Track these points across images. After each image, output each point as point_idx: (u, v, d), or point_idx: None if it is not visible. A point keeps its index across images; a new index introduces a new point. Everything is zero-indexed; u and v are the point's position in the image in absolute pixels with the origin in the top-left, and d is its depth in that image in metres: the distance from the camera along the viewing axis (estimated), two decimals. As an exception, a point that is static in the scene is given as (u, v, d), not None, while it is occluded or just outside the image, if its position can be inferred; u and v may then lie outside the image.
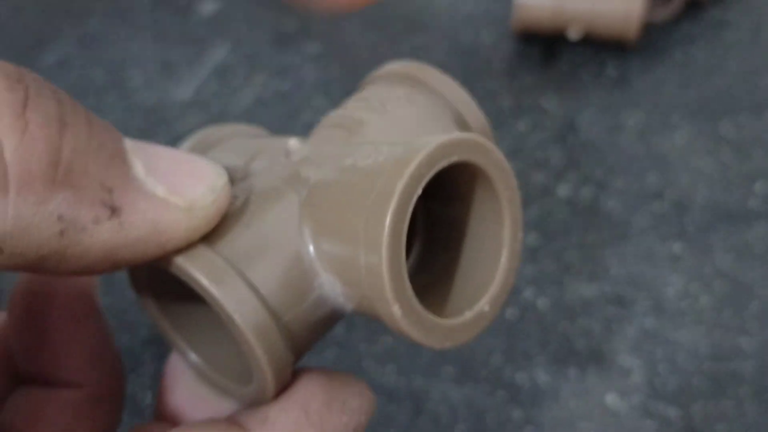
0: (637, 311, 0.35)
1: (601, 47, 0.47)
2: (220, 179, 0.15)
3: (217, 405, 0.19)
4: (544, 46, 0.47)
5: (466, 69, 0.46)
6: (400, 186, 0.14)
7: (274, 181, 0.17)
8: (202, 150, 0.20)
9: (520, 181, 0.45)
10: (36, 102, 0.13)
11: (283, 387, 0.16)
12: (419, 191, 0.14)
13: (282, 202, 0.16)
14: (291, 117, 0.44)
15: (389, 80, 0.20)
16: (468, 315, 0.16)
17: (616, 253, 0.37)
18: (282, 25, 0.48)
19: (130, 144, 0.14)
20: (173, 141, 0.44)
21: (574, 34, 0.45)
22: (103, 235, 0.13)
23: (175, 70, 0.46)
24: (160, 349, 0.35)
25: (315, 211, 0.16)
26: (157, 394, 0.20)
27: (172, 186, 0.14)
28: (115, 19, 0.49)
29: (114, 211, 0.14)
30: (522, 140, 0.42)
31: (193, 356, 0.18)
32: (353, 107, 0.19)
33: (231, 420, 0.16)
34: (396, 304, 0.14)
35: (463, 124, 0.19)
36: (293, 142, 0.18)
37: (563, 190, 0.40)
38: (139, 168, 0.14)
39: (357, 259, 0.15)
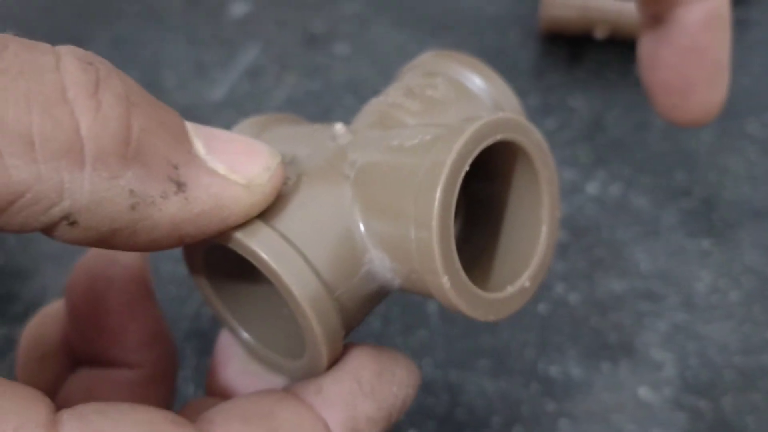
0: (668, 306, 0.36)
1: (626, 46, 0.47)
2: (275, 159, 0.16)
3: (267, 380, 0.19)
4: (570, 45, 0.47)
5: (494, 68, 0.47)
6: (449, 161, 0.15)
7: (322, 163, 0.18)
8: (257, 129, 0.21)
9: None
10: (106, 83, 0.13)
11: (334, 359, 0.17)
12: (467, 167, 0.15)
13: (332, 183, 0.17)
14: (322, 116, 0.45)
15: (427, 68, 0.20)
16: (510, 290, 0.16)
17: (646, 249, 0.38)
18: (311, 25, 0.49)
19: (190, 125, 0.15)
20: (208, 140, 0.45)
21: (600, 33, 0.45)
22: (170, 209, 0.14)
23: (208, 71, 0.47)
24: (201, 342, 0.36)
25: (364, 190, 0.17)
26: (208, 370, 0.21)
27: (231, 164, 0.15)
28: (147, 21, 0.50)
29: (180, 186, 0.14)
30: (550, 138, 0.43)
31: (245, 334, 0.19)
32: (394, 94, 0.20)
33: (286, 390, 0.17)
34: (445, 276, 0.15)
35: (499, 109, 0.20)
36: (339, 127, 0.19)
37: (592, 188, 0.40)
38: (200, 147, 0.15)
39: (407, 234, 0.15)
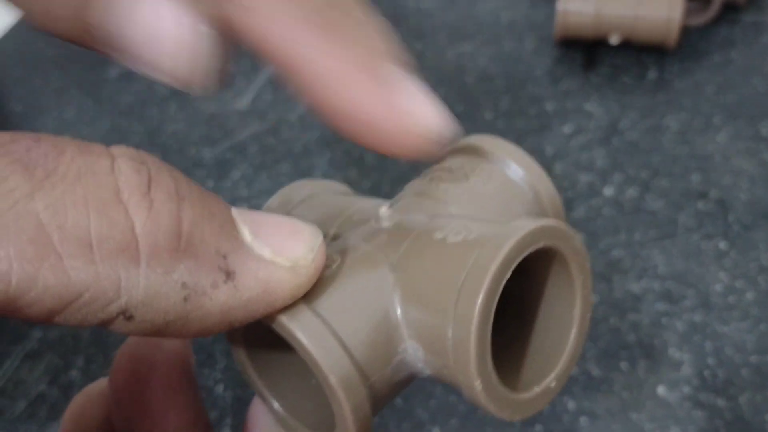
0: (686, 306, 0.37)
1: (641, 51, 0.48)
2: (317, 239, 0.16)
3: None
4: (585, 51, 0.48)
5: (510, 75, 0.48)
6: (493, 268, 0.15)
7: (366, 246, 0.18)
8: (290, 204, 0.22)
9: (566, 183, 0.47)
10: (157, 181, 0.14)
11: None
12: (509, 274, 0.15)
13: (374, 267, 0.17)
14: (343, 124, 0.46)
15: (471, 152, 0.21)
16: (537, 390, 0.17)
17: (664, 251, 0.39)
18: (332, 36, 0.50)
19: (235, 211, 0.16)
20: (234, 148, 0.47)
21: (615, 39, 0.46)
22: (220, 298, 0.15)
23: (233, 81, 0.48)
24: (229, 344, 0.37)
25: (406, 279, 0.17)
26: None
27: (276, 247, 0.15)
28: (173, 33, 0.51)
29: (229, 275, 0.15)
30: (567, 143, 0.44)
31: (276, 404, 0.19)
32: (438, 177, 0.20)
33: None
34: (478, 380, 0.15)
35: (538, 200, 0.20)
36: (384, 210, 0.19)
37: (609, 191, 0.41)
38: (246, 233, 0.15)
39: (444, 330, 0.16)
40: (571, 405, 0.34)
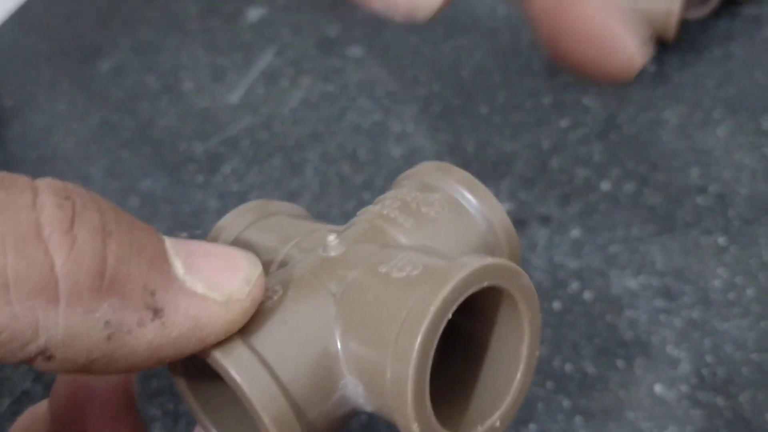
0: (684, 303, 0.36)
1: (640, 45, 0.47)
2: (255, 271, 0.16)
3: None
4: (584, 44, 0.47)
5: (507, 69, 0.47)
6: (432, 309, 0.15)
7: (310, 277, 0.17)
8: (243, 223, 0.21)
9: (563, 178, 0.46)
10: (82, 217, 0.13)
11: None
12: (450, 315, 0.15)
13: (316, 300, 0.17)
14: (337, 118, 0.46)
15: (425, 180, 0.20)
16: (480, 430, 0.16)
17: (662, 246, 0.38)
18: (326, 29, 0.50)
19: (169, 243, 0.15)
20: (226, 142, 0.46)
21: (613, 32, 0.45)
22: (147, 336, 0.14)
23: (225, 75, 0.48)
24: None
25: (348, 312, 0.17)
26: None
27: (210, 281, 0.15)
28: (166, 27, 0.51)
29: (157, 312, 0.14)
30: (564, 137, 0.43)
31: None
32: (390, 206, 0.20)
33: None
34: (416, 423, 0.15)
35: (491, 231, 0.20)
36: (332, 239, 0.18)
37: (606, 185, 0.41)
38: (178, 267, 0.15)
39: (383, 367, 0.15)
40: (566, 403, 0.33)
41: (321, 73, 0.47)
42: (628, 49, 0.17)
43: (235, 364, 0.15)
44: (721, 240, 0.38)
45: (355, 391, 0.17)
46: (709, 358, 0.34)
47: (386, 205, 0.20)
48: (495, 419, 0.16)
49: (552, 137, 0.43)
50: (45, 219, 0.13)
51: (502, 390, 0.17)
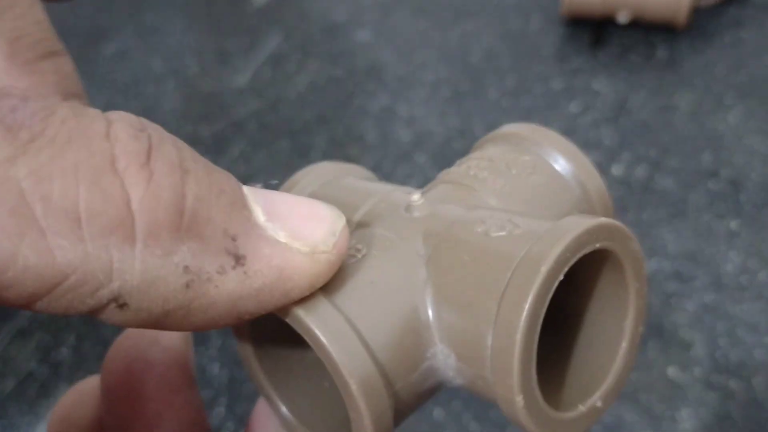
0: (697, 286, 0.36)
1: (650, 30, 0.47)
2: (339, 222, 0.14)
3: None
4: (593, 29, 0.47)
5: (516, 54, 0.47)
6: (544, 269, 0.13)
7: (396, 237, 0.16)
8: (309, 187, 0.20)
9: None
10: (159, 150, 0.12)
11: None
12: (562, 276, 0.14)
13: (404, 261, 0.16)
14: (344, 102, 0.45)
15: (513, 142, 0.19)
16: (582, 409, 0.15)
17: (674, 231, 0.37)
18: (333, 13, 0.49)
19: (248, 190, 0.14)
20: (231, 126, 0.46)
21: (623, 17, 0.45)
22: (228, 286, 0.13)
23: (231, 59, 0.47)
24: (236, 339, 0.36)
25: (439, 275, 0.15)
26: None
27: (293, 230, 0.14)
28: (171, 11, 0.50)
29: (238, 259, 0.13)
30: (574, 121, 0.43)
31: (283, 408, 0.18)
32: (477, 166, 0.18)
33: None
34: (520, 395, 0.13)
35: (587, 197, 0.18)
36: (416, 198, 0.17)
37: (617, 170, 0.40)
38: (259, 213, 0.14)
39: (483, 337, 0.14)
40: (578, 386, 0.33)
41: (328, 57, 0.47)
42: None
43: (321, 323, 0.14)
44: (733, 224, 0.38)
45: (445, 361, 0.15)
46: (722, 342, 0.34)
47: (472, 165, 0.18)
48: (596, 398, 0.15)
49: (562, 121, 0.43)
50: (120, 150, 0.12)
51: (603, 368, 0.15)
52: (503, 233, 0.15)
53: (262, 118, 0.45)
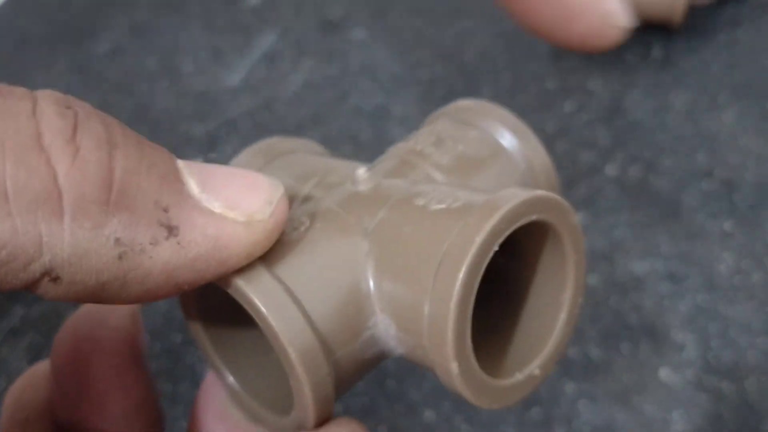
0: (690, 287, 0.35)
1: (645, 29, 0.47)
2: (277, 191, 0.15)
3: (245, 430, 0.18)
4: (588, 28, 0.47)
5: (510, 52, 0.47)
6: (478, 240, 0.14)
7: (339, 210, 0.16)
8: (260, 162, 0.20)
9: (567, 162, 0.45)
10: (85, 126, 0.13)
11: (321, 424, 0.16)
12: (496, 247, 0.14)
13: (347, 233, 0.16)
14: (339, 100, 0.45)
15: (462, 118, 0.19)
16: (519, 377, 0.15)
17: (667, 231, 0.37)
18: (328, 11, 0.49)
19: (182, 163, 0.14)
20: (225, 125, 0.46)
21: (619, 16, 0.45)
22: (162, 256, 0.13)
23: (225, 57, 0.47)
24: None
25: (380, 247, 0.16)
26: (189, 414, 0.19)
27: (229, 201, 0.14)
28: (164, 8, 0.50)
29: (171, 230, 0.13)
30: (568, 121, 0.43)
31: (230, 379, 0.18)
32: (423, 141, 0.18)
33: None
34: (455, 362, 0.14)
35: (532, 172, 0.19)
36: (362, 172, 0.17)
37: (611, 170, 0.40)
38: (193, 185, 0.14)
39: (420, 307, 0.14)
40: (569, 387, 0.33)
41: (323, 56, 0.47)
42: (600, 10, 0.16)
43: (260, 293, 0.14)
44: (727, 225, 0.38)
45: (386, 331, 0.15)
46: (714, 343, 0.34)
47: (419, 140, 0.18)
48: (534, 366, 0.15)
49: (557, 121, 0.43)
50: (45, 127, 0.12)
51: (542, 337, 0.16)
52: (442, 206, 0.15)
53: (256, 117, 0.45)
